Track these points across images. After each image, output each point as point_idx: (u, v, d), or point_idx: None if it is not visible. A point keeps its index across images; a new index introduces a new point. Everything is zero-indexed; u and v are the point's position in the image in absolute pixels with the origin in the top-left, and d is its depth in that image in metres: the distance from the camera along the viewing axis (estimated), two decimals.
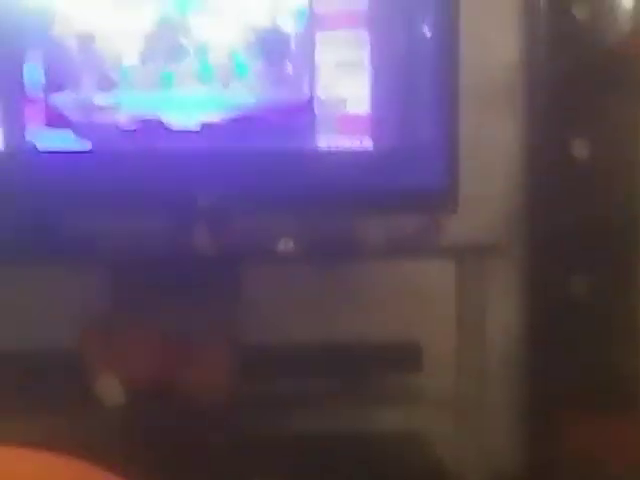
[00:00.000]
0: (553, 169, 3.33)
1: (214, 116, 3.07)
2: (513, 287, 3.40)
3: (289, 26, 3.07)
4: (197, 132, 3.06)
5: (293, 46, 3.07)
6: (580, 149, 3.31)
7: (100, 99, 3.07)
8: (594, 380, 3.28)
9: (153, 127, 3.06)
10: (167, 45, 3.08)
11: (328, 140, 3.07)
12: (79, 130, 3.06)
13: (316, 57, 3.06)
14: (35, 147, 3.05)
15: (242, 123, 3.06)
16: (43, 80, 3.05)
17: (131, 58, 3.07)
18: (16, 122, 3.04)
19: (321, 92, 3.06)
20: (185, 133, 3.06)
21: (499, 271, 3.16)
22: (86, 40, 3.07)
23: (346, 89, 3.06)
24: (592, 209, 3.30)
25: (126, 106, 3.06)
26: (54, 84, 3.05)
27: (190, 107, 3.07)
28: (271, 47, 3.08)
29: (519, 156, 3.39)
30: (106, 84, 3.07)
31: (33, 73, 3.04)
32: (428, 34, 3.07)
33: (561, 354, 3.31)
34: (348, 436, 3.14)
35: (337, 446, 3.08)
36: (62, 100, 3.06)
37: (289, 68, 3.07)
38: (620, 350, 3.32)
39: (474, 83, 3.18)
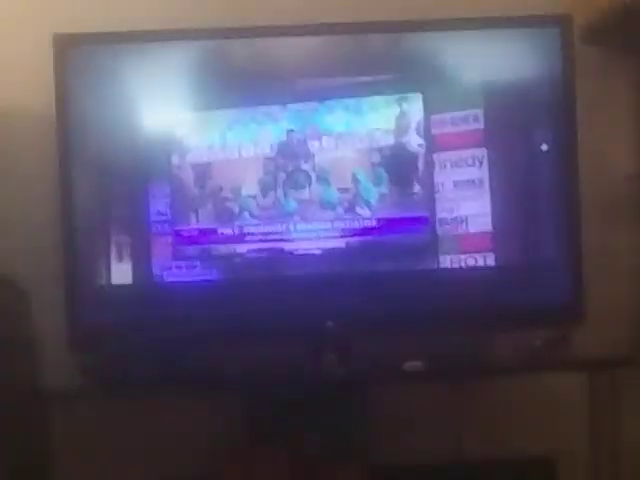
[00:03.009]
0: None
1: (338, 240, 3.09)
2: None
3: (413, 145, 3.10)
4: (321, 257, 3.09)
5: (419, 166, 3.10)
6: None
7: (222, 230, 3.11)
8: None
9: (277, 255, 3.09)
10: (287, 172, 3.12)
11: (451, 259, 3.09)
12: (204, 261, 3.10)
13: (435, 177, 3.09)
14: (162, 280, 3.10)
15: (365, 246, 3.08)
16: (167, 213, 3.11)
17: (250, 187, 3.12)
18: (143, 256, 3.10)
19: (442, 212, 3.08)
20: (309, 258, 3.09)
21: (632, 381, 3.11)
22: (204, 170, 3.12)
23: (467, 208, 3.08)
24: None
25: (249, 237, 3.10)
26: (177, 217, 3.11)
27: (313, 234, 3.10)
28: (396, 168, 3.11)
29: None
30: (226, 215, 3.11)
31: (157, 207, 3.11)
32: (545, 148, 3.09)
33: None
34: None
35: None
36: (186, 232, 3.11)
37: (414, 189, 3.09)
38: None
39: (594, 194, 3.18)
